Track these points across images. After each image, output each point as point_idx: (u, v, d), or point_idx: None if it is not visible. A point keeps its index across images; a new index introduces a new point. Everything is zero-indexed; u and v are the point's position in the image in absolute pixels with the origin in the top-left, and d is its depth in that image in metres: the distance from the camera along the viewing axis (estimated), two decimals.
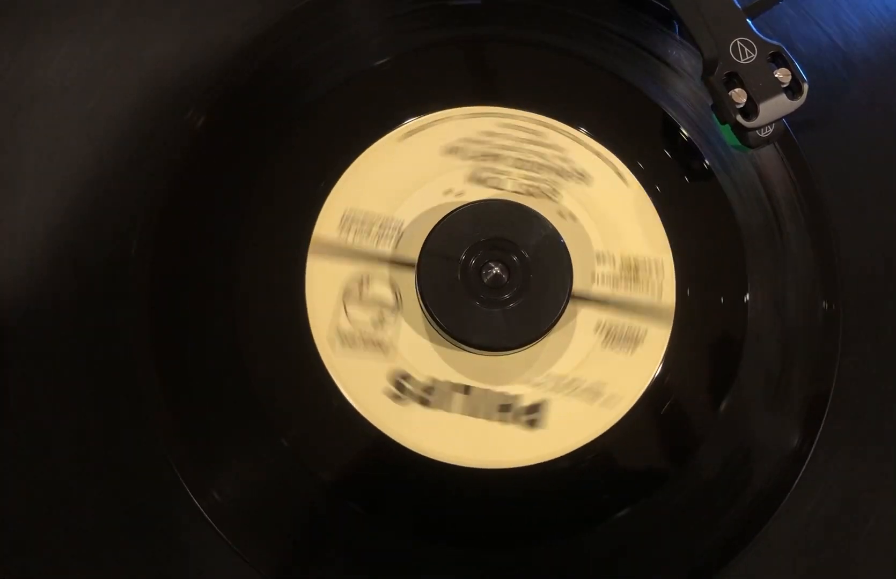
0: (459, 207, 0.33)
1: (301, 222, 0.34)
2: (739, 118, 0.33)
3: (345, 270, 0.34)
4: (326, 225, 0.34)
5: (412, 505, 0.32)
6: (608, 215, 0.35)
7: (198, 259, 0.34)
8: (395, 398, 0.33)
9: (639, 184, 0.35)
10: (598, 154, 0.35)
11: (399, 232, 0.34)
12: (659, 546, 0.32)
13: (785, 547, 0.32)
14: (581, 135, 0.35)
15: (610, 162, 0.35)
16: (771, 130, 0.33)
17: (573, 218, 0.35)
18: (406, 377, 0.33)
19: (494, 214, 0.33)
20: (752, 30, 0.34)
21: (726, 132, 0.34)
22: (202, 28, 0.37)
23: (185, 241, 0.34)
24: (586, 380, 0.33)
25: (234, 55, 0.37)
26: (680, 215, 0.35)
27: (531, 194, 0.35)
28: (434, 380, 0.33)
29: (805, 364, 0.34)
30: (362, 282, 0.34)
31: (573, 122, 0.36)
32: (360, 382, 0.33)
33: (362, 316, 0.33)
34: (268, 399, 0.33)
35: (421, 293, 0.33)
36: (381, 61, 0.37)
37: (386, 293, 0.34)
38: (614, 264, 0.34)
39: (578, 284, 0.33)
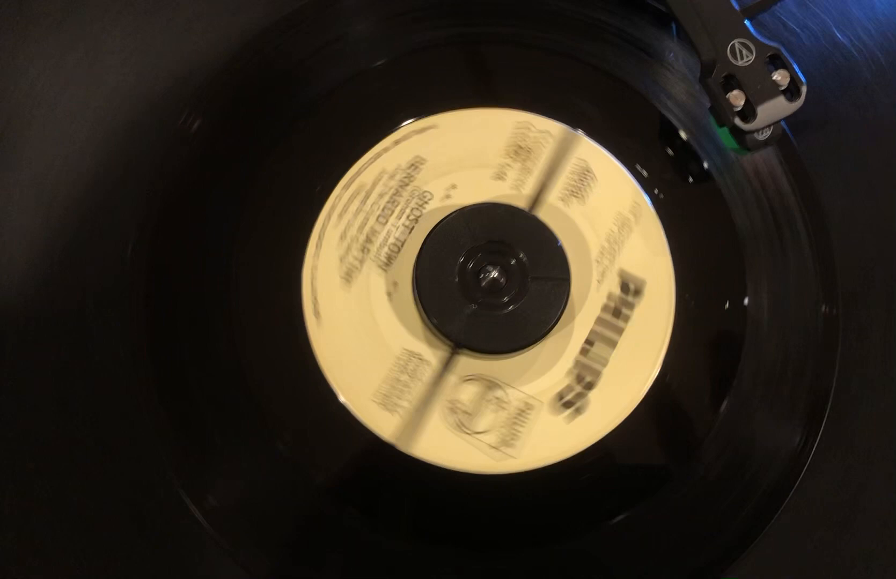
0: (460, 209, 0.34)
1: (299, 225, 0.34)
2: (737, 121, 0.33)
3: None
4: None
5: (408, 507, 0.32)
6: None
7: (195, 263, 0.34)
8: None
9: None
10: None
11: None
12: (660, 547, 0.32)
13: (786, 548, 0.32)
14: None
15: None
16: (769, 133, 0.33)
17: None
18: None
19: (494, 218, 0.33)
20: (750, 31, 0.34)
21: (724, 135, 0.34)
22: (200, 30, 0.37)
23: (182, 246, 0.34)
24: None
25: (231, 57, 0.37)
26: (679, 218, 0.35)
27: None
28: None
29: (804, 365, 0.34)
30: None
31: (573, 123, 0.36)
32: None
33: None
34: (264, 404, 0.33)
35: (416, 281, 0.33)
36: (379, 63, 0.37)
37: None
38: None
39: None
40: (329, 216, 0.34)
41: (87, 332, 0.33)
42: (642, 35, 0.38)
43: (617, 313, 0.34)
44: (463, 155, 0.35)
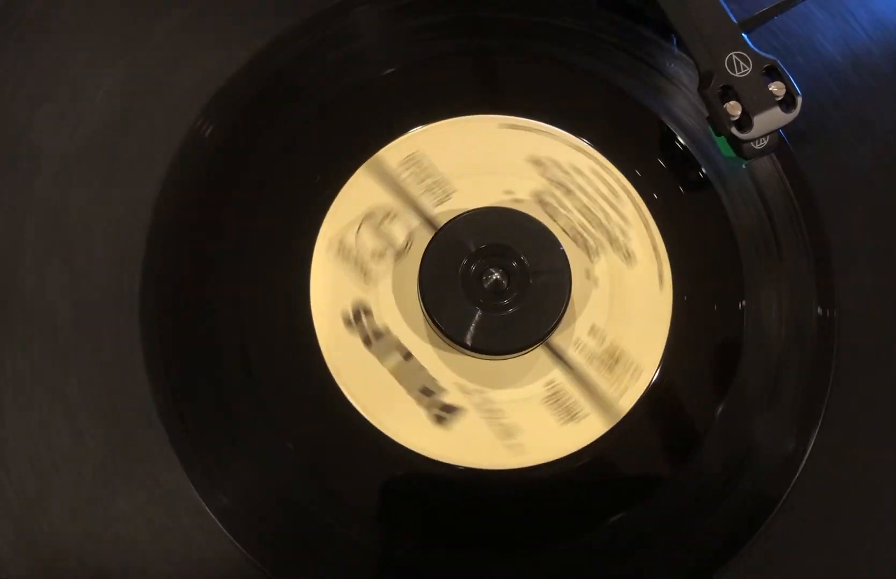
0: (470, 211, 0.34)
1: (307, 226, 0.35)
2: (734, 130, 0.33)
3: (382, 196, 0.35)
4: (347, 207, 0.35)
5: (411, 504, 0.33)
6: (626, 303, 0.35)
7: (206, 265, 0.35)
8: (347, 323, 0.34)
9: (671, 295, 0.35)
10: (655, 249, 0.35)
11: (447, 197, 0.35)
12: (657, 548, 0.33)
13: (781, 550, 0.33)
14: (652, 224, 0.35)
15: (661, 260, 0.35)
16: (766, 142, 0.34)
17: (596, 284, 0.35)
18: (367, 312, 0.34)
19: (496, 222, 0.34)
20: (747, 44, 0.34)
21: (722, 144, 0.35)
22: (213, 37, 0.37)
23: (193, 248, 0.35)
24: (509, 418, 0.33)
25: (243, 65, 0.37)
26: (678, 222, 0.36)
27: (574, 241, 0.35)
28: (387, 330, 0.34)
29: (801, 369, 0.34)
30: (388, 215, 0.35)
31: (574, 131, 0.36)
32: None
33: (369, 242, 0.34)
34: (273, 403, 0.33)
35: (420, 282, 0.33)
36: (387, 71, 0.38)
37: (400, 237, 0.35)
38: (601, 343, 0.34)
39: (559, 340, 0.34)
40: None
41: (97, 333, 0.33)
42: (644, 47, 0.38)
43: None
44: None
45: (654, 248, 0.35)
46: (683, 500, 0.33)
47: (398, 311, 0.34)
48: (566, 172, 0.36)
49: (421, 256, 0.33)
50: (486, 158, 0.36)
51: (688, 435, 0.34)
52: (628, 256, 0.35)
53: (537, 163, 0.36)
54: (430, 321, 0.33)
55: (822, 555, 0.33)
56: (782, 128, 0.34)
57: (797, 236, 0.36)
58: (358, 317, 0.34)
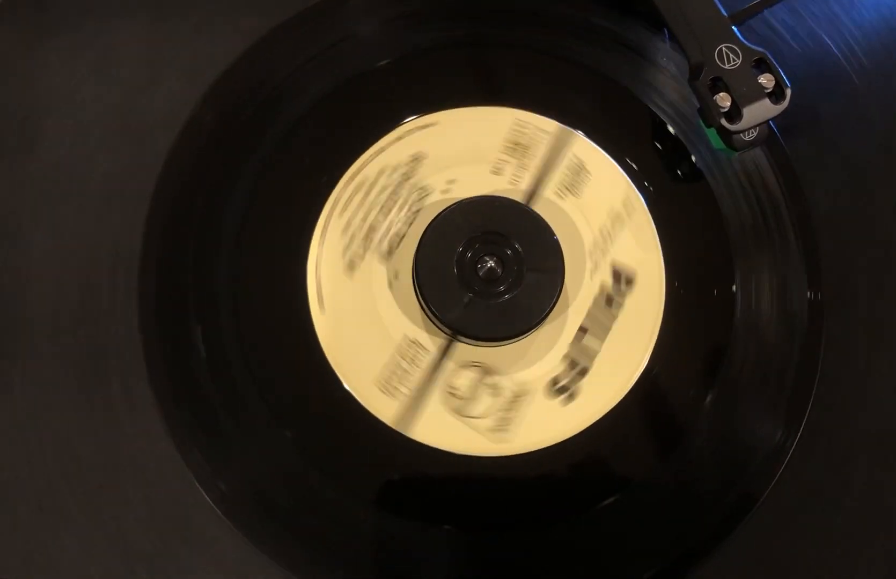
0: (460, 201, 0.34)
1: (304, 216, 0.35)
2: (724, 121, 0.34)
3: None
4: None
5: (407, 488, 0.33)
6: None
7: (204, 255, 0.35)
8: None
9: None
10: (647, 237, 0.35)
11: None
12: (647, 535, 0.33)
13: (771, 535, 0.33)
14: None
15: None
16: (755, 134, 0.34)
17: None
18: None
19: (491, 210, 0.34)
20: (737, 36, 0.34)
21: (712, 135, 0.35)
22: (211, 29, 0.38)
23: (191, 238, 0.35)
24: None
25: (241, 56, 0.37)
26: (670, 212, 0.36)
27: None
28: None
29: (789, 355, 0.35)
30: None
31: (569, 122, 0.37)
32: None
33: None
34: (271, 392, 0.33)
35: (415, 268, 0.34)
36: (383, 62, 0.38)
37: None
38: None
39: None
40: (333, 209, 0.35)
41: (97, 324, 0.33)
42: (636, 38, 0.38)
43: (609, 303, 0.35)
44: (462, 151, 0.36)
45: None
46: (675, 485, 0.33)
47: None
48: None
49: (416, 244, 0.34)
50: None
51: (679, 421, 0.34)
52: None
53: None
54: (425, 308, 0.33)
55: (807, 544, 0.33)
56: (772, 119, 0.34)
57: (787, 225, 0.36)
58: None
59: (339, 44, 0.38)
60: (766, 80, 0.34)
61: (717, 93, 0.34)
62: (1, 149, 0.35)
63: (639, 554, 0.33)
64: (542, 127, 0.37)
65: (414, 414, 0.33)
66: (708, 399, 0.34)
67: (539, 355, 0.34)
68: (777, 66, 0.34)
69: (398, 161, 0.36)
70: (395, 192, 0.36)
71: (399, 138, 0.36)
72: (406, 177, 0.36)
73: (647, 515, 0.33)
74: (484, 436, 0.33)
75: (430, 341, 0.34)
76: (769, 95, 0.34)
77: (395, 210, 0.35)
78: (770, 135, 0.36)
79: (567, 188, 0.36)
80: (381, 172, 0.36)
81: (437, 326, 0.34)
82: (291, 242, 0.35)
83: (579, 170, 0.36)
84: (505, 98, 0.37)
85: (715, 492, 0.33)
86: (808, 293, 0.35)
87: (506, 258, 0.33)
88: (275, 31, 0.38)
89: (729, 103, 0.34)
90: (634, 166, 0.36)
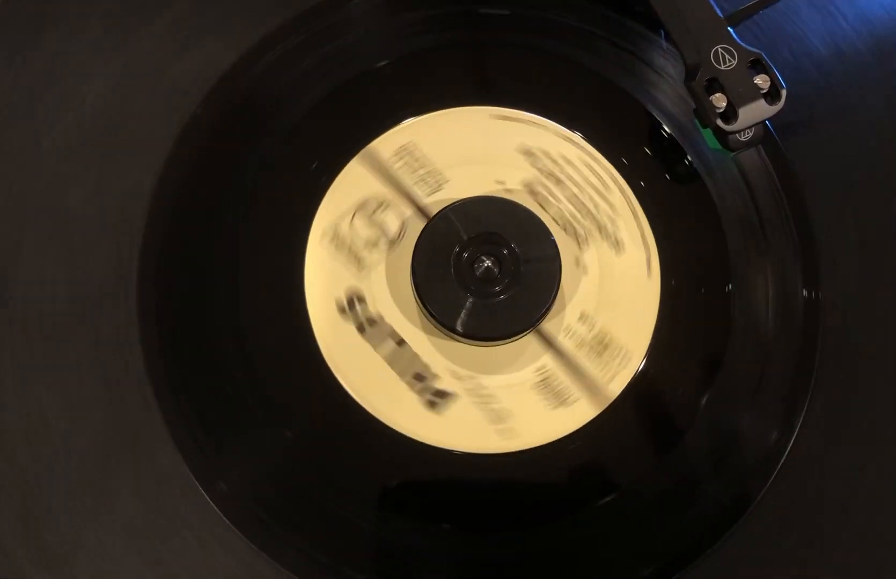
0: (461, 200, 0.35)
1: (302, 216, 0.35)
2: (720, 122, 0.34)
3: (375, 186, 0.35)
4: (341, 197, 0.35)
5: (408, 490, 0.33)
6: (615, 291, 0.35)
7: (202, 255, 0.35)
8: (341, 311, 0.34)
9: (659, 282, 0.35)
10: (643, 237, 0.36)
11: (439, 187, 0.36)
12: (644, 531, 0.33)
13: (767, 533, 0.33)
14: (640, 212, 0.36)
15: (649, 248, 0.36)
16: (751, 134, 0.34)
17: (585, 272, 0.35)
18: (360, 300, 0.34)
19: (487, 210, 0.34)
20: (733, 37, 0.35)
21: (708, 136, 0.35)
22: (212, 29, 0.38)
23: (190, 237, 0.35)
24: (500, 403, 0.34)
25: (239, 58, 0.37)
26: (665, 210, 0.36)
27: (564, 229, 0.36)
28: (380, 317, 0.34)
29: (786, 355, 0.35)
30: (381, 204, 0.35)
31: (566, 123, 0.37)
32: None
33: (362, 231, 0.35)
34: (268, 389, 0.33)
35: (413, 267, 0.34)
36: (383, 63, 0.38)
37: (393, 226, 0.35)
38: (591, 329, 0.35)
39: (549, 326, 0.34)
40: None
41: (96, 324, 0.34)
42: (633, 39, 0.39)
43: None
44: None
45: (643, 236, 0.36)
46: (671, 484, 0.33)
47: (391, 299, 0.35)
48: (556, 162, 0.36)
49: (414, 244, 0.34)
50: (477, 149, 0.37)
51: (676, 419, 0.34)
52: (617, 244, 0.36)
53: (528, 153, 0.37)
54: (422, 308, 0.34)
55: (804, 543, 0.33)
56: (768, 120, 0.34)
57: (783, 224, 0.36)
58: (352, 305, 0.34)
59: (340, 45, 0.38)
60: (761, 80, 0.34)
61: (713, 93, 0.34)
62: (1, 148, 0.36)
63: (635, 555, 0.33)
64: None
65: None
66: (704, 399, 0.34)
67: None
68: (773, 66, 0.34)
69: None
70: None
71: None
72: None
73: (644, 515, 0.33)
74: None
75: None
76: (765, 96, 0.34)
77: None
78: (766, 135, 0.36)
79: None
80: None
81: (434, 325, 0.34)
82: (289, 240, 0.35)
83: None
84: (499, 98, 0.37)
85: (711, 493, 0.33)
86: (805, 293, 0.35)
87: (502, 258, 0.34)
88: (276, 31, 0.38)
89: (725, 104, 0.34)
90: (629, 165, 0.37)
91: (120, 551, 0.31)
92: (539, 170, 0.36)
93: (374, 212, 0.36)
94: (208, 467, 0.32)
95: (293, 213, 0.35)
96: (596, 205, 0.36)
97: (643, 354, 0.34)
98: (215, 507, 0.32)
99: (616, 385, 0.34)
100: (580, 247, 0.36)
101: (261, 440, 0.33)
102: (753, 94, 0.34)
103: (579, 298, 0.35)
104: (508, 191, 0.36)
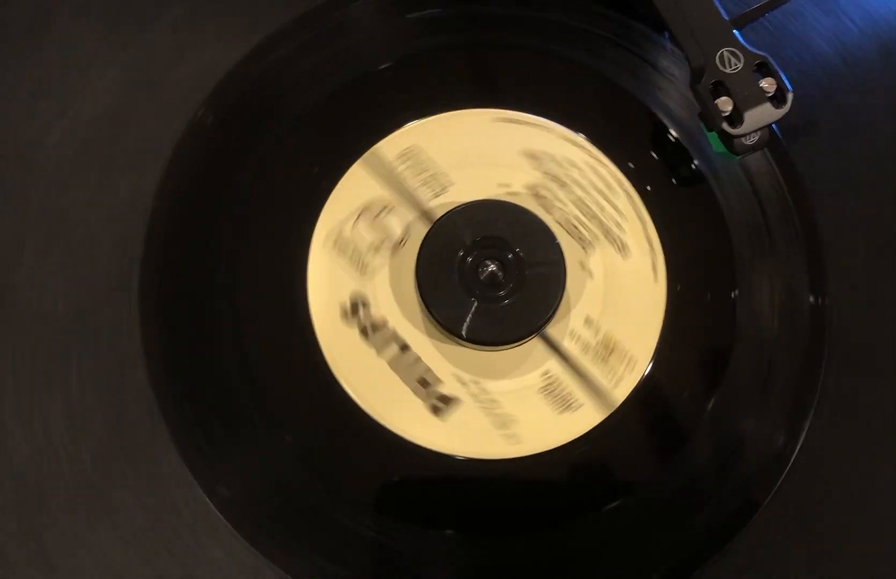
0: (466, 204, 0.35)
1: (305, 219, 0.35)
2: (725, 125, 0.34)
3: (378, 189, 0.35)
4: (344, 200, 0.35)
5: (412, 495, 0.33)
6: (620, 295, 0.35)
7: (204, 256, 0.35)
8: (344, 315, 0.34)
9: (665, 287, 0.35)
10: (648, 241, 0.35)
11: (443, 190, 0.36)
12: (651, 536, 0.33)
13: (773, 539, 0.33)
14: (646, 216, 0.36)
15: (655, 252, 0.35)
16: (756, 138, 0.34)
17: (591, 276, 0.35)
18: (364, 304, 0.34)
19: (491, 214, 0.34)
20: (738, 40, 0.34)
21: (713, 139, 0.35)
22: (215, 30, 0.38)
23: (192, 238, 0.35)
24: (505, 408, 0.34)
25: (244, 57, 0.37)
26: (671, 214, 0.36)
27: (569, 233, 0.35)
28: (384, 321, 0.34)
29: (792, 360, 0.35)
30: (385, 208, 0.35)
31: (569, 125, 0.37)
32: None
33: (366, 235, 0.35)
34: (271, 395, 0.33)
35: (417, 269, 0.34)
36: (387, 65, 0.38)
37: (397, 229, 0.35)
38: (596, 334, 0.34)
39: (554, 331, 0.34)
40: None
41: (97, 327, 0.34)
42: (637, 42, 0.39)
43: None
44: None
45: (648, 240, 0.36)
46: (677, 489, 0.33)
47: (395, 303, 0.34)
48: (561, 165, 0.36)
49: (418, 249, 0.34)
50: (481, 152, 0.36)
51: (681, 424, 0.34)
52: (622, 248, 0.36)
53: (532, 156, 0.36)
54: (426, 313, 0.33)
55: (811, 549, 0.33)
56: (774, 123, 0.34)
57: (789, 228, 0.36)
58: (355, 310, 0.34)
59: (343, 46, 0.38)
60: (767, 84, 0.34)
61: (719, 97, 0.34)
62: (1, 148, 0.36)
63: (641, 560, 0.33)
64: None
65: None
66: (710, 404, 0.34)
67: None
68: (779, 69, 0.34)
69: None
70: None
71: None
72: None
73: (650, 521, 0.33)
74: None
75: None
76: (771, 99, 0.34)
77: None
78: (772, 138, 0.36)
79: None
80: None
81: (439, 330, 0.34)
82: (292, 244, 0.35)
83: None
84: (503, 101, 0.37)
85: (717, 497, 0.33)
86: (811, 297, 0.35)
87: (507, 262, 0.34)
88: (276, 33, 0.38)
89: (730, 107, 0.34)
90: (635, 169, 0.37)
91: (121, 555, 0.31)
92: (543, 173, 0.36)
93: (377, 215, 0.35)
94: (210, 471, 0.32)
95: (296, 217, 0.35)
96: (601, 209, 0.36)
97: (649, 359, 0.34)
98: (217, 512, 0.32)
99: (622, 390, 0.34)
100: (585, 251, 0.35)
101: (263, 445, 0.33)
102: (759, 97, 0.34)
103: (584, 303, 0.35)
104: (513, 194, 0.36)
